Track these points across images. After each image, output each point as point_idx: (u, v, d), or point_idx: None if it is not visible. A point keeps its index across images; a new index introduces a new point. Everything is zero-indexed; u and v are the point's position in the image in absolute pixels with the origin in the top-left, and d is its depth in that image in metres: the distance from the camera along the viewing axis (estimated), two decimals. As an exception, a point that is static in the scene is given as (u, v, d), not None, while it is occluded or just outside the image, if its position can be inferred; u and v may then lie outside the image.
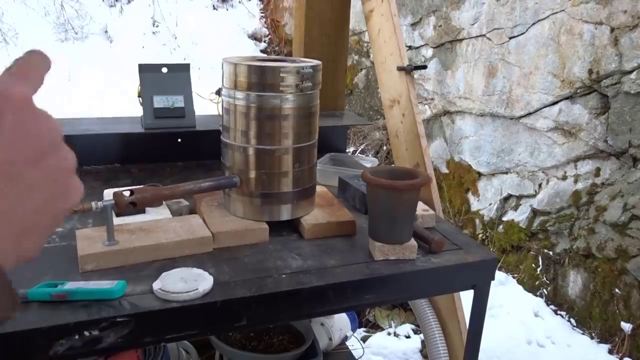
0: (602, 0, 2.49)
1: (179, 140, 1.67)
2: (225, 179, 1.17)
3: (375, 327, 2.66)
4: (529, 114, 2.93)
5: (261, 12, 6.53)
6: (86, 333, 0.84)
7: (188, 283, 0.93)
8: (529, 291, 2.96)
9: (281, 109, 1.12)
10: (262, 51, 6.20)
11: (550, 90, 2.79)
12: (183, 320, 0.91)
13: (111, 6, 6.04)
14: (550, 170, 2.87)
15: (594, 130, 2.59)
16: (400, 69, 1.56)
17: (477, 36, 3.25)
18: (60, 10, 5.65)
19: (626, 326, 2.48)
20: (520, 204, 3.10)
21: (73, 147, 0.51)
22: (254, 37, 6.31)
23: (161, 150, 1.66)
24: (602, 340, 2.60)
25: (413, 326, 2.64)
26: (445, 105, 3.59)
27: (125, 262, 1.02)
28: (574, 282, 2.77)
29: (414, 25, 3.84)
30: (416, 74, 3.14)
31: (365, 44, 4.57)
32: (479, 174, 3.37)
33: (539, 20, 2.82)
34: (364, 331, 2.59)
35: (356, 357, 1.92)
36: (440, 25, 3.57)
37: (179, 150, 1.67)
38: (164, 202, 1.25)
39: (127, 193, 1.04)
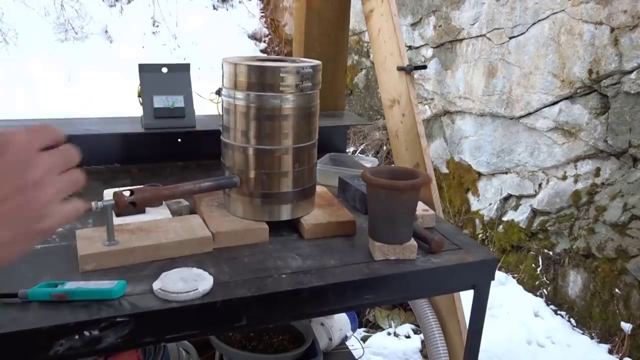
0: (602, 0, 2.49)
1: (179, 140, 1.67)
2: (225, 179, 1.17)
3: (375, 327, 2.66)
4: (529, 114, 2.93)
5: (261, 12, 6.53)
6: (86, 333, 0.84)
7: (188, 283, 0.93)
8: (529, 291, 2.96)
9: (281, 109, 1.12)
10: (262, 51, 6.21)
11: (550, 90, 2.79)
12: (183, 320, 0.91)
13: (111, 6, 6.04)
14: (550, 170, 2.87)
15: (594, 130, 2.59)
16: (400, 69, 1.56)
17: (477, 36, 3.25)
18: (60, 10, 5.65)
19: (626, 326, 2.48)
20: (520, 204, 3.10)
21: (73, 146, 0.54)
22: (254, 37, 6.31)
23: (161, 150, 1.66)
24: (602, 340, 2.60)
25: (413, 326, 2.64)
26: (445, 105, 3.59)
27: (125, 262, 1.02)
28: (574, 282, 2.77)
29: (414, 25, 3.84)
30: (416, 74, 3.14)
31: (365, 44, 4.57)
32: (479, 174, 3.37)
33: (539, 20, 2.83)
34: (364, 331, 2.59)
35: (356, 357, 1.92)
36: (440, 25, 3.57)
37: (179, 150, 1.67)
38: (164, 202, 1.25)
39: (127, 193, 1.04)
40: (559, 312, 2.82)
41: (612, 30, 2.46)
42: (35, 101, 4.57)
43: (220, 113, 1.20)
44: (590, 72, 2.58)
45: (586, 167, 2.68)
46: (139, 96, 1.61)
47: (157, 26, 6.01)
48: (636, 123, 2.41)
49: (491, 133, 3.23)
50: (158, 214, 1.21)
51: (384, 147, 4.04)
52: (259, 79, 1.10)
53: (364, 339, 2.51)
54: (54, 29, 5.58)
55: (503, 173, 3.19)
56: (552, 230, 2.89)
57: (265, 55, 5.75)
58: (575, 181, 2.74)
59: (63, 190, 0.59)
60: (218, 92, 1.25)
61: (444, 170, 3.67)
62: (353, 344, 2.08)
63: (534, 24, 2.86)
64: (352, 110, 4.60)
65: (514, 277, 3.06)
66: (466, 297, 1.31)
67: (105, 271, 0.99)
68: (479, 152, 3.34)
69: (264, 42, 6.32)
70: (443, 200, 3.47)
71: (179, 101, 1.62)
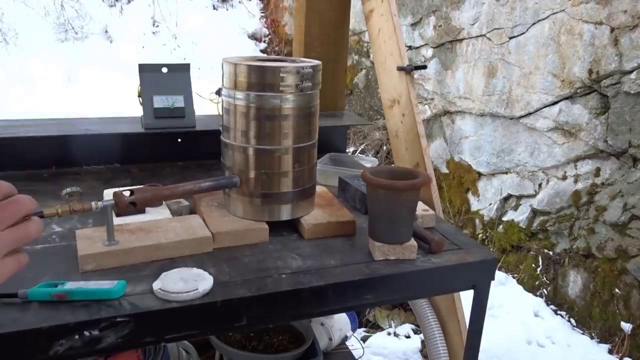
0: (602, 0, 2.49)
1: (179, 140, 1.67)
2: (225, 179, 1.17)
3: (375, 327, 2.66)
4: (529, 114, 2.93)
5: (261, 12, 6.53)
6: (86, 333, 0.84)
7: (188, 283, 0.93)
8: (529, 291, 2.96)
9: (281, 109, 1.12)
10: (262, 51, 6.21)
11: (550, 90, 2.79)
12: (183, 320, 0.91)
13: (111, 6, 6.04)
14: (550, 170, 2.87)
15: (594, 130, 2.59)
16: (400, 69, 1.56)
17: (477, 36, 3.25)
18: (60, 10, 5.65)
19: (626, 326, 2.48)
20: (520, 204, 3.10)
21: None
22: (254, 37, 6.31)
23: (161, 150, 1.66)
24: (602, 340, 2.60)
25: (413, 326, 2.64)
26: (445, 105, 3.59)
27: (125, 262, 1.02)
28: (574, 282, 2.77)
29: (414, 25, 3.84)
30: (416, 74, 3.14)
31: (365, 44, 4.57)
32: (479, 174, 3.37)
33: (539, 20, 2.83)
34: (364, 331, 2.60)
35: (356, 357, 1.92)
36: (440, 25, 3.57)
37: (179, 150, 1.67)
38: (164, 202, 1.25)
39: (127, 193, 1.04)
40: (559, 312, 2.82)
41: (612, 30, 2.46)
42: (35, 101, 4.57)
43: (220, 113, 1.20)
44: (590, 72, 2.58)
45: (586, 167, 2.68)
46: (139, 96, 1.60)
47: (157, 26, 6.01)
48: (636, 123, 2.41)
49: (491, 133, 3.23)
50: (158, 214, 1.21)
51: (384, 147, 4.04)
52: (259, 79, 1.10)
53: (364, 339, 2.51)
54: (54, 29, 5.58)
55: (503, 173, 3.19)
56: (552, 230, 2.89)
57: (265, 55, 5.75)
58: (575, 181, 2.74)
59: (5, 247, 0.59)
60: (218, 92, 1.24)
61: (444, 170, 3.67)
62: (353, 344, 2.08)
63: (534, 24, 2.86)
64: (352, 110, 4.60)
65: (514, 277, 3.06)
66: (466, 297, 1.31)
67: (105, 271, 0.99)
68: (479, 152, 3.34)
69: (264, 42, 6.32)
70: (443, 200, 3.47)
71: (179, 101, 1.62)
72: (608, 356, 2.50)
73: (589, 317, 2.68)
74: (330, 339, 1.82)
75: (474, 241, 1.24)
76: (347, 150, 2.03)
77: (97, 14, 5.82)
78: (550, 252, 2.90)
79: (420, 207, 1.28)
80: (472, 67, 3.32)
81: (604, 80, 2.52)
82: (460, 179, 3.53)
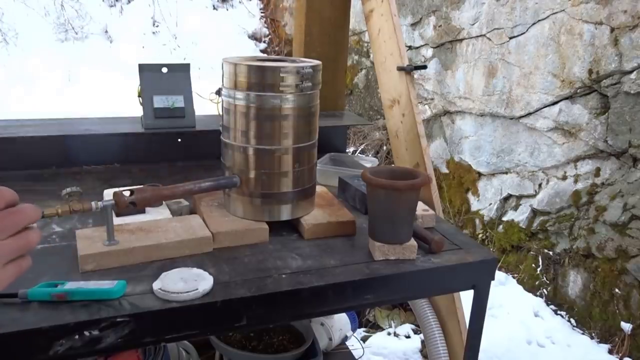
0: (602, 0, 2.49)
1: (179, 140, 1.67)
2: (225, 179, 1.17)
3: (375, 327, 2.66)
4: (529, 114, 2.93)
5: (261, 12, 6.53)
6: (86, 333, 0.84)
7: (188, 283, 0.93)
8: (529, 291, 2.96)
9: (281, 109, 1.12)
10: (262, 51, 6.20)
11: (550, 90, 2.79)
12: (183, 320, 0.91)
13: (111, 6, 6.03)
14: (550, 170, 2.87)
15: (594, 130, 2.59)
16: (400, 69, 1.56)
17: (477, 36, 3.25)
18: (60, 10, 5.65)
19: (626, 326, 2.48)
20: (520, 204, 3.10)
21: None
22: (254, 37, 6.31)
23: (161, 150, 1.66)
24: (602, 340, 2.60)
25: (413, 326, 2.64)
26: (445, 105, 3.59)
27: (125, 262, 1.02)
28: (574, 282, 2.77)
29: (414, 25, 3.84)
30: (416, 74, 3.14)
31: (365, 44, 4.57)
32: (479, 174, 3.37)
33: (539, 20, 2.83)
34: (364, 331, 2.59)
35: (356, 357, 1.92)
36: (440, 25, 3.57)
37: (179, 150, 1.67)
38: (164, 202, 1.25)
39: (127, 193, 1.04)
40: (559, 312, 2.82)
41: (612, 30, 2.46)
42: (35, 101, 4.57)
43: (220, 113, 1.20)
44: (590, 72, 2.58)
45: (586, 167, 2.68)
46: (139, 96, 1.61)
47: (157, 26, 6.01)
48: (636, 123, 2.41)
49: (491, 133, 3.23)
50: (158, 214, 1.21)
51: (384, 147, 4.04)
52: (259, 79, 1.10)
53: (364, 339, 2.51)
54: (54, 29, 5.58)
55: (503, 173, 3.19)
56: (552, 230, 2.89)
57: (265, 55, 5.75)
58: (575, 181, 2.74)
59: (7, 255, 0.59)
60: (218, 92, 1.25)
61: (444, 170, 3.67)
62: (353, 344, 2.08)
63: (534, 24, 2.86)
64: (352, 110, 4.60)
65: (514, 277, 3.06)
66: (466, 297, 1.31)
67: (105, 271, 0.99)
68: (479, 152, 3.34)
69: (264, 42, 6.32)
70: (443, 200, 3.47)
71: (179, 101, 1.62)
72: (608, 356, 2.50)
73: (589, 317, 2.68)
74: (330, 339, 1.82)
75: (474, 241, 1.24)
76: (347, 150, 2.03)
77: (97, 14, 5.82)
78: (550, 252, 2.90)
79: (420, 207, 1.28)
80: (472, 67, 3.32)
81: (604, 80, 2.52)
82: (460, 179, 3.53)
